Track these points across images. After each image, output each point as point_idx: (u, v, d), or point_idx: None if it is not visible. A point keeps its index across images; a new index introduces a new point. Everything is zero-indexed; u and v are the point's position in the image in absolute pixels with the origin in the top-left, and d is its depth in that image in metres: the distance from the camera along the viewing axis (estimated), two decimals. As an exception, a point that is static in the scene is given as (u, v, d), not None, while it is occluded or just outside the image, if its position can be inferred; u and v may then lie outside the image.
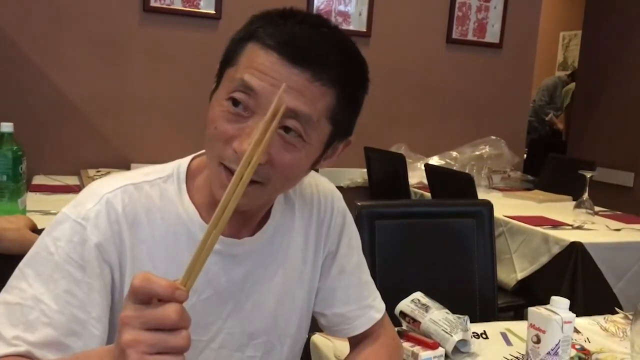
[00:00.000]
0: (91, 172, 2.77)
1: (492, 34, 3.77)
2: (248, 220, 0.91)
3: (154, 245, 0.84)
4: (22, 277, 0.79)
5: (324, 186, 1.03)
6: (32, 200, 1.97)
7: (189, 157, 0.91)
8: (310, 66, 0.76)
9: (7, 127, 1.68)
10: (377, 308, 1.06)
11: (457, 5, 3.65)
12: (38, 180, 2.65)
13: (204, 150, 0.89)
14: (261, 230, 0.92)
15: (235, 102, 0.77)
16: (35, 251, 0.81)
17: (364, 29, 3.46)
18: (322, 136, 0.82)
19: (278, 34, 0.77)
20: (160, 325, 0.59)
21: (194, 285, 0.84)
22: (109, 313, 0.82)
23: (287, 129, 0.77)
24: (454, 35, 3.68)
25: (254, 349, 0.94)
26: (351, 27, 3.43)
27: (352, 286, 1.04)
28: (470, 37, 3.72)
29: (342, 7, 3.41)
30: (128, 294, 0.61)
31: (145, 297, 0.60)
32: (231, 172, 0.77)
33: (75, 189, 2.44)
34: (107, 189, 0.84)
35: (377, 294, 1.09)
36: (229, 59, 0.81)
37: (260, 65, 0.76)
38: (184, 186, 0.88)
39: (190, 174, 0.89)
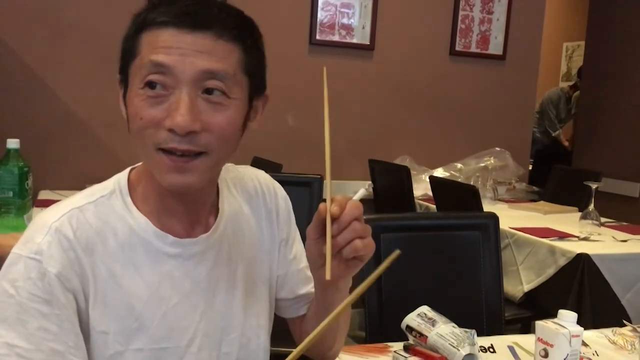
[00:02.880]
0: (97, 186, 2.78)
1: (495, 46, 3.78)
2: (198, 217, 0.91)
3: (112, 262, 0.84)
4: None
5: (264, 177, 1.05)
6: (38, 215, 1.97)
7: (127, 170, 0.92)
8: (210, 28, 0.79)
9: (14, 143, 1.69)
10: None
11: (460, 18, 3.67)
12: (44, 195, 2.66)
13: (140, 163, 0.90)
14: (214, 226, 0.93)
15: (152, 85, 0.78)
16: None
17: (367, 42, 3.47)
18: (244, 89, 0.84)
19: (170, 12, 0.79)
20: None
21: (161, 294, 0.86)
22: (83, 339, 0.81)
23: (209, 90, 0.80)
24: (457, 48, 3.69)
25: (228, 345, 0.94)
26: (355, 40, 3.45)
27: (305, 268, 1.06)
28: (473, 49, 3.73)
29: (345, 20, 3.42)
30: None
31: None
32: (171, 152, 0.79)
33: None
34: (52, 218, 0.83)
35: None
36: (129, 58, 0.83)
37: (163, 42, 0.77)
38: (128, 199, 0.88)
39: (132, 186, 0.89)
